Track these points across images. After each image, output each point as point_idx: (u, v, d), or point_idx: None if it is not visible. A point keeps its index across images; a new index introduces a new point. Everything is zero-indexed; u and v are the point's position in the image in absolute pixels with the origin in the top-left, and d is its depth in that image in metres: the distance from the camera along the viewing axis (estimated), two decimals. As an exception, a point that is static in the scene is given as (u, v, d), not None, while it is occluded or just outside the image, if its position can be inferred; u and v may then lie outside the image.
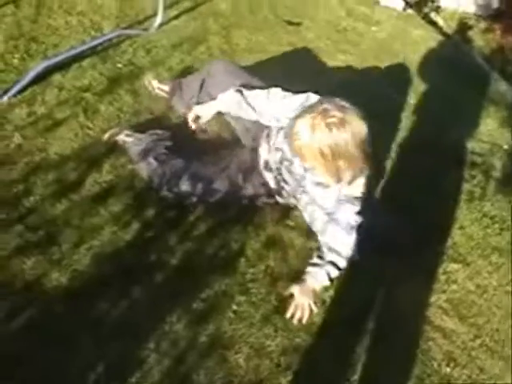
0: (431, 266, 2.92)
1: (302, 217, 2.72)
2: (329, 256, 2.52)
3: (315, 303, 2.51)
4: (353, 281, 2.68)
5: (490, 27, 6.01)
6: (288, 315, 2.45)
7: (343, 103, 2.34)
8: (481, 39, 5.81)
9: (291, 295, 2.50)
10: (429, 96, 4.30)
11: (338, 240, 2.50)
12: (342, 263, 2.52)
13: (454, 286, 2.83)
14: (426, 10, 6.11)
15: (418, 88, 4.36)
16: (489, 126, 4.21)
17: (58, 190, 2.62)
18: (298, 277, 2.57)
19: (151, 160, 2.75)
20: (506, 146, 4.02)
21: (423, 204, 3.21)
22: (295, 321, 2.44)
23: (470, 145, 3.89)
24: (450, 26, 5.94)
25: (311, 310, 2.49)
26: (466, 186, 3.49)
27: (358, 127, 2.32)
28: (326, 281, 2.51)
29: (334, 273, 2.51)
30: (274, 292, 2.52)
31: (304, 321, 2.45)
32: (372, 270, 2.74)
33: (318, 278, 2.51)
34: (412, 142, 3.71)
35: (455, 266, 2.94)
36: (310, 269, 2.54)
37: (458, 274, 2.90)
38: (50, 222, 2.49)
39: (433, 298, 2.75)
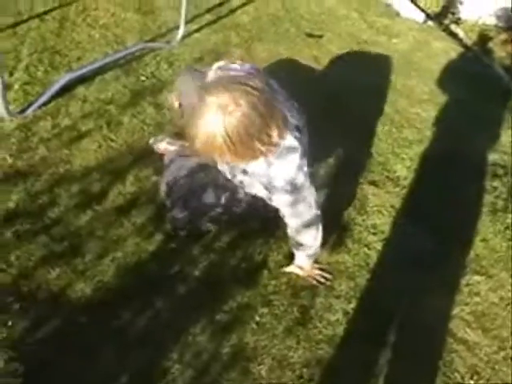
0: (454, 279, 2.89)
1: (325, 229, 2.71)
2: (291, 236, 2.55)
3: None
4: (376, 292, 2.67)
5: (511, 38, 5.98)
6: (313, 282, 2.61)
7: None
8: (501, 50, 5.78)
9: (297, 276, 2.63)
10: (450, 108, 4.28)
11: (288, 221, 2.48)
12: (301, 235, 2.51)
13: (477, 299, 2.81)
14: (446, 21, 6.10)
15: (438, 100, 4.34)
16: (510, 137, 4.18)
17: (82, 202, 2.65)
18: (319, 289, 2.59)
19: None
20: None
21: (445, 216, 3.20)
22: (322, 280, 2.62)
23: (492, 156, 3.85)
24: (470, 38, 5.91)
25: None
26: (488, 198, 3.45)
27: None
28: (304, 257, 2.60)
29: (304, 243, 2.55)
30: (296, 304, 2.52)
31: (329, 278, 2.65)
32: (395, 281, 2.74)
33: (297, 260, 2.63)
34: (433, 154, 3.70)
35: (478, 278, 2.91)
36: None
37: (481, 286, 2.87)
38: (75, 233, 2.52)
39: (456, 311, 2.73)
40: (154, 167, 2.89)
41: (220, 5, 4.77)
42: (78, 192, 2.70)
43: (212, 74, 2.03)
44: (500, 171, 3.72)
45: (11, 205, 2.58)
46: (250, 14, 4.80)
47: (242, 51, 4.18)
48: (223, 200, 2.64)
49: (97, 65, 3.53)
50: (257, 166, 2.19)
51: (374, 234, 2.97)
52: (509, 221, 3.30)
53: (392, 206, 3.17)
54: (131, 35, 4.01)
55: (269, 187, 2.27)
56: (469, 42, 5.87)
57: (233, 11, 4.77)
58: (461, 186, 3.49)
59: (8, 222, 2.51)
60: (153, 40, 4.02)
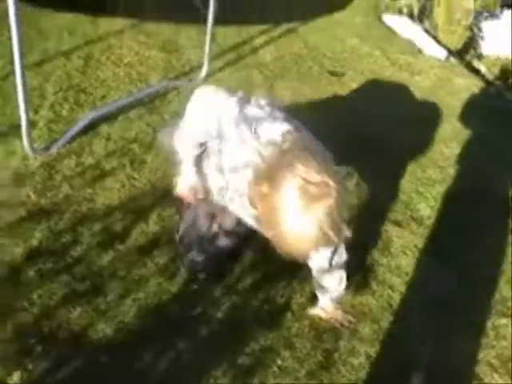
0: (480, 321, 2.85)
1: (349, 270, 2.69)
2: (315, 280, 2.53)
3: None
4: (400, 335, 2.63)
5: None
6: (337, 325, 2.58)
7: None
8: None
9: (320, 318, 2.60)
10: (473, 145, 4.26)
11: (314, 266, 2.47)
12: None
13: (504, 342, 2.75)
14: (468, 57, 6.11)
15: (461, 137, 4.32)
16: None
17: (105, 241, 2.65)
18: (342, 332, 2.56)
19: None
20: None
21: (470, 255, 3.17)
22: (346, 323, 2.59)
23: (516, 193, 3.83)
24: (492, 73, 5.91)
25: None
26: (513, 237, 3.42)
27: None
28: (327, 300, 2.57)
29: (328, 287, 2.52)
30: (319, 347, 2.48)
31: (352, 321, 2.62)
32: (419, 324, 2.70)
33: (321, 303, 2.60)
34: (457, 192, 3.68)
35: (504, 320, 2.86)
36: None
37: (508, 329, 2.82)
38: (97, 272, 2.51)
39: (482, 354, 2.68)
40: (176, 206, 2.88)
41: (243, 43, 4.80)
42: (101, 231, 2.70)
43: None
44: (525, 209, 3.69)
45: (34, 242, 2.58)
46: (273, 52, 4.83)
47: (265, 90, 4.20)
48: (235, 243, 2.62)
49: (121, 103, 3.56)
50: None
51: (398, 275, 2.94)
52: (535, 261, 3.26)
53: (416, 246, 3.14)
54: (155, 73, 4.04)
55: None
56: (491, 78, 5.87)
57: (255, 50, 4.80)
58: (485, 224, 3.47)
59: (31, 260, 2.50)
60: (176, 78, 4.05)
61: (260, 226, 2.16)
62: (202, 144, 2.24)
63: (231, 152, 2.03)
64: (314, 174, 1.67)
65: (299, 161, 1.70)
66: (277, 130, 1.91)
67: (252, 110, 2.00)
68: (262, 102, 2.06)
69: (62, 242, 2.61)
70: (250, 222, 2.33)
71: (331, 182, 1.67)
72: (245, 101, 2.04)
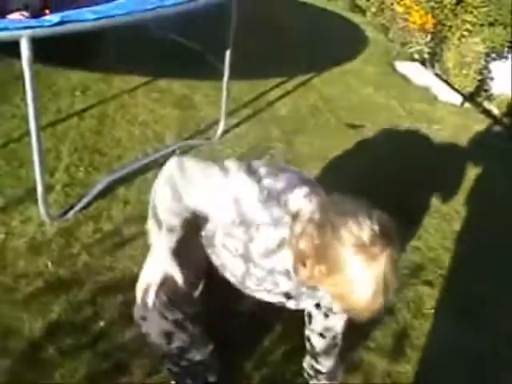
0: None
1: (383, 336, 2.57)
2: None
3: None
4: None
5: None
6: None
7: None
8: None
9: None
10: (493, 193, 4.19)
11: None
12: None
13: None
14: (479, 99, 6.12)
15: (484, 186, 4.26)
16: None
17: (128, 313, 2.53)
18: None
19: None
20: None
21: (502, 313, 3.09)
22: None
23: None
24: (503, 113, 5.93)
25: None
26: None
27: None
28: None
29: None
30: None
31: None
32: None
33: None
34: (483, 245, 3.59)
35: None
36: None
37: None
38: (121, 348, 2.39)
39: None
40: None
41: (257, 98, 4.75)
42: (124, 302, 2.58)
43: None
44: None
45: (53, 316, 2.47)
46: (288, 105, 4.78)
47: (283, 145, 4.13)
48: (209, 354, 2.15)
49: (137, 165, 3.49)
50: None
51: (433, 338, 2.82)
52: None
53: (448, 305, 3.02)
54: (170, 131, 3.98)
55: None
56: (501, 118, 5.89)
57: (271, 104, 4.75)
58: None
59: (50, 335, 2.39)
60: (192, 136, 3.99)
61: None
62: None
63: (265, 236, 1.85)
64: (359, 232, 1.58)
65: (339, 225, 1.61)
66: (299, 196, 1.82)
67: (268, 182, 1.84)
68: (271, 167, 1.93)
69: (83, 316, 2.50)
70: (279, 298, 2.14)
71: (378, 230, 1.59)
72: (252, 173, 1.86)
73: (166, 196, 1.87)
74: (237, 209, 1.80)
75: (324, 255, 1.62)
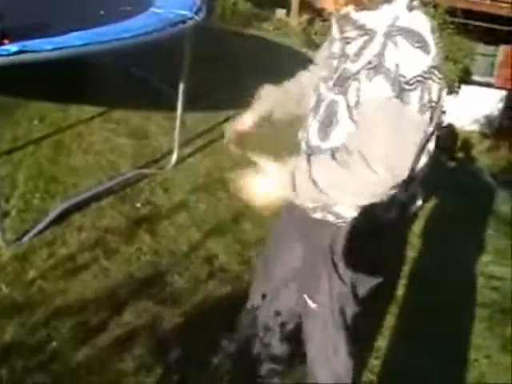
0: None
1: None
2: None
3: None
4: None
5: (495, 144, 6.15)
6: None
7: None
8: (487, 158, 5.93)
9: None
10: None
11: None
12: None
13: None
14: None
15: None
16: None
17: (80, 335, 2.60)
18: None
19: None
20: None
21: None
22: None
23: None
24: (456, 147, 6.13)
25: None
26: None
27: None
28: None
29: None
30: None
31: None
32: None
33: None
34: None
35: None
36: None
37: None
38: (73, 369, 2.45)
39: None
40: (153, 299, 2.87)
41: (212, 128, 4.85)
42: (76, 325, 2.65)
43: None
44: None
45: (7, 338, 2.53)
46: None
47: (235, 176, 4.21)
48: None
49: (92, 192, 3.57)
50: None
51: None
52: None
53: None
54: (125, 161, 4.07)
55: None
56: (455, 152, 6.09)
57: (224, 135, 4.81)
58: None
59: (3, 356, 2.44)
60: (146, 165, 4.09)
61: None
62: None
63: None
64: None
65: None
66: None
67: None
68: None
69: (36, 338, 2.56)
70: None
71: None
72: None
73: None
74: None
75: None
